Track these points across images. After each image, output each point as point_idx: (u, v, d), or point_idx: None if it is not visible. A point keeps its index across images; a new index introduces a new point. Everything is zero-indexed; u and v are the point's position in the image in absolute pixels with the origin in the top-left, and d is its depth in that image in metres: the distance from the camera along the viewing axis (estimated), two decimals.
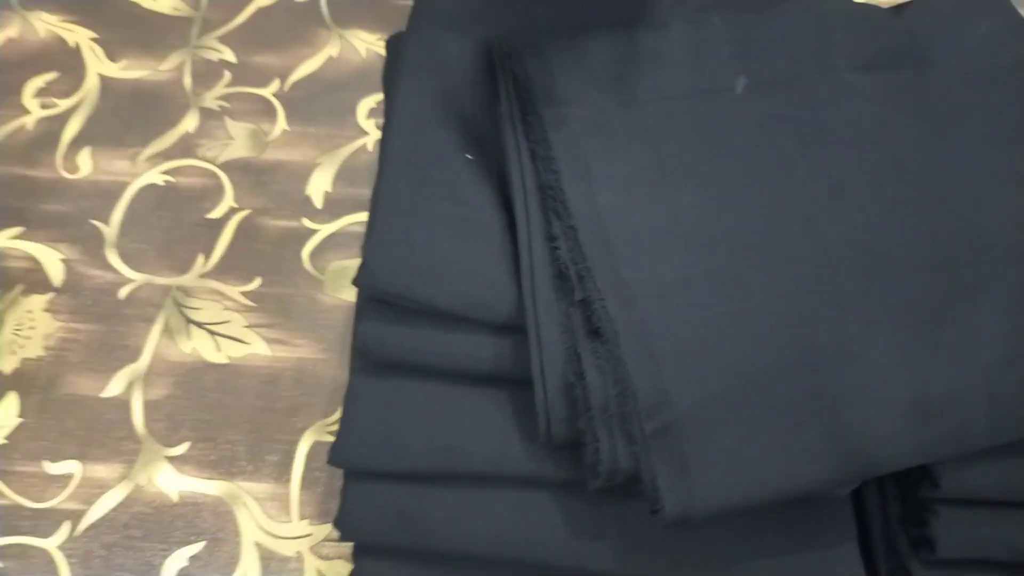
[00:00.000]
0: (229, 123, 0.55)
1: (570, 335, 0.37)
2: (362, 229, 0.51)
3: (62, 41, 0.58)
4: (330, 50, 0.57)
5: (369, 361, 0.41)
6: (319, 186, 0.53)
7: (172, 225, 0.51)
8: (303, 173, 0.53)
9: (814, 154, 0.41)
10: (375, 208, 0.42)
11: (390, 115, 0.47)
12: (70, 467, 0.45)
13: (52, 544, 0.43)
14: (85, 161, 0.53)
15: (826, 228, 0.39)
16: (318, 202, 0.52)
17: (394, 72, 0.50)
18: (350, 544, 0.42)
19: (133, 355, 0.48)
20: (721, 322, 0.37)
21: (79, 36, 0.58)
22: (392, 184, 0.42)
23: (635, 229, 0.39)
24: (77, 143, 0.54)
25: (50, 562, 0.43)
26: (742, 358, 0.36)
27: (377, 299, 0.40)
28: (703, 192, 0.40)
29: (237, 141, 0.54)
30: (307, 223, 0.52)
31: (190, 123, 0.55)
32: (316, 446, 0.45)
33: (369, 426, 0.40)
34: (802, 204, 0.40)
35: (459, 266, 0.39)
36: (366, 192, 0.51)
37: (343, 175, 0.53)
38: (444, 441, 0.39)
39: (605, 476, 0.35)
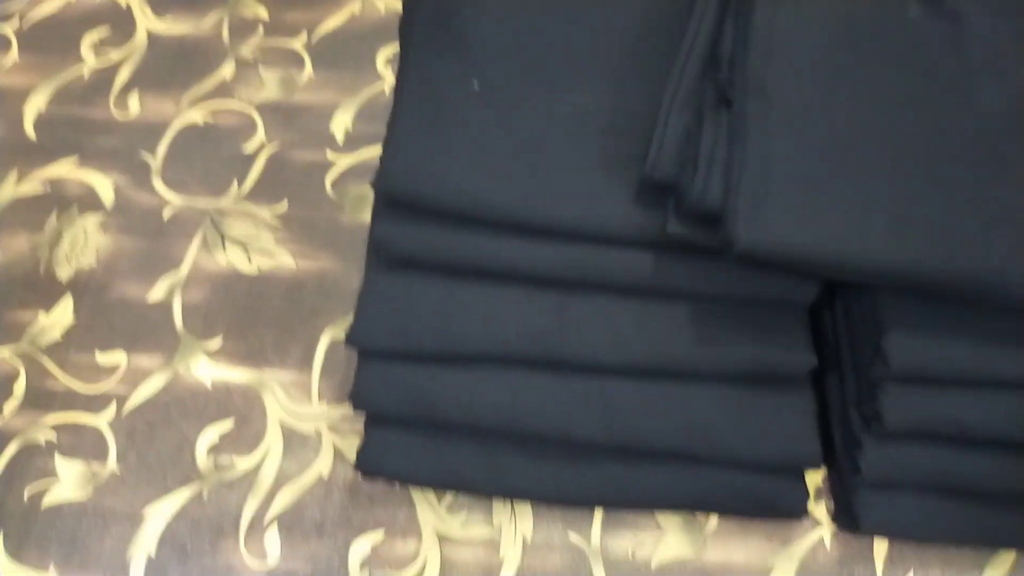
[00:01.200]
0: (262, 71, 0.61)
1: (701, 99, 0.42)
2: (378, 161, 0.57)
3: (114, 2, 0.65)
4: (353, 7, 0.64)
5: (382, 258, 0.47)
6: (341, 124, 0.59)
7: (210, 157, 0.58)
8: (327, 113, 0.59)
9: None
10: (391, 124, 0.48)
11: (406, 52, 0.53)
12: (118, 358, 0.51)
13: (102, 421, 0.49)
14: (134, 103, 0.60)
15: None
16: (340, 138, 0.58)
17: (410, 22, 0.56)
18: (361, 422, 0.48)
19: (174, 265, 0.54)
20: (830, 127, 0.41)
21: None
22: (407, 104, 0.47)
23: (793, 52, 0.43)
24: (127, 88, 0.61)
25: (100, 436, 0.48)
26: (838, 152, 0.41)
27: (391, 202, 0.46)
28: (854, 75, 0.44)
29: (269, 86, 0.60)
30: (330, 155, 0.57)
31: (227, 71, 0.61)
32: (335, 342, 0.51)
33: (382, 312, 0.45)
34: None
35: (463, 169, 0.45)
36: (383, 129, 0.57)
37: (362, 114, 0.59)
38: (446, 326, 0.44)
39: (692, 209, 0.39)
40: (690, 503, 0.45)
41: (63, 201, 0.56)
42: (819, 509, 0.46)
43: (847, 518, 0.45)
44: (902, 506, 0.44)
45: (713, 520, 0.46)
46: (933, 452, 0.43)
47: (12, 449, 0.48)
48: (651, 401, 0.44)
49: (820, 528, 0.46)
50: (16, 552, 0.45)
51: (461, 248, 0.44)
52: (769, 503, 0.44)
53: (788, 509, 0.45)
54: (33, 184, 0.57)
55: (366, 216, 0.55)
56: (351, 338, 0.45)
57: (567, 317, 0.44)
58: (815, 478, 0.47)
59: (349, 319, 0.51)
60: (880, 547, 0.45)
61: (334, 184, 0.56)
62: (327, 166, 0.57)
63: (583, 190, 0.43)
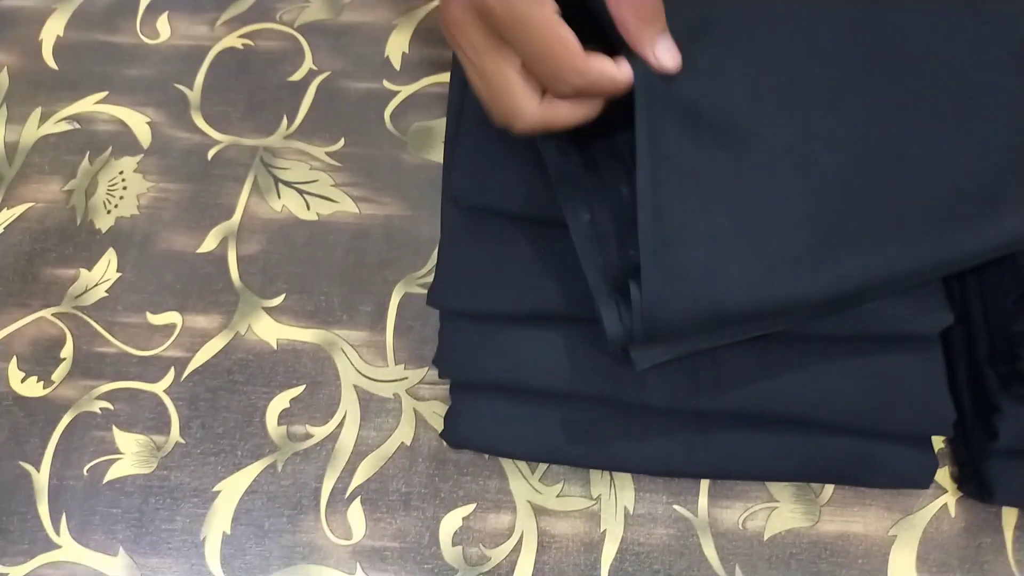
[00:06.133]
0: None
1: None
2: (442, 90, 0.51)
3: None
4: None
5: (460, 210, 0.42)
6: (397, 47, 0.52)
7: (255, 88, 0.52)
8: (381, 35, 0.53)
9: None
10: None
11: None
12: (171, 318, 0.46)
13: (159, 388, 0.45)
14: (163, 26, 0.53)
15: None
16: (396, 64, 0.52)
17: None
18: (444, 386, 0.44)
19: (226, 213, 0.48)
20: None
21: None
22: None
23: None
24: (153, 9, 0.54)
25: (159, 404, 0.45)
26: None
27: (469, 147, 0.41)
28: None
29: (313, 4, 0.54)
30: (387, 84, 0.51)
31: None
32: (407, 297, 0.46)
33: (463, 270, 0.41)
34: None
35: None
36: (445, 53, 0.52)
37: (420, 36, 0.53)
38: (537, 283, 0.40)
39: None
40: (808, 473, 0.41)
41: (95, 142, 0.50)
42: (940, 474, 0.43)
43: (978, 487, 0.41)
44: None
45: (828, 489, 0.43)
46: None
47: (66, 420, 0.44)
48: (764, 362, 0.40)
49: (944, 496, 0.43)
50: (81, 535, 0.42)
51: (549, 196, 0.39)
52: (894, 472, 0.41)
53: (915, 479, 0.41)
54: (59, 122, 0.51)
55: (432, 154, 0.50)
56: (432, 298, 0.41)
57: None
58: (936, 441, 0.44)
59: (421, 271, 0.47)
60: (1009, 517, 0.42)
61: (393, 117, 0.51)
62: (385, 97, 0.51)
63: None
